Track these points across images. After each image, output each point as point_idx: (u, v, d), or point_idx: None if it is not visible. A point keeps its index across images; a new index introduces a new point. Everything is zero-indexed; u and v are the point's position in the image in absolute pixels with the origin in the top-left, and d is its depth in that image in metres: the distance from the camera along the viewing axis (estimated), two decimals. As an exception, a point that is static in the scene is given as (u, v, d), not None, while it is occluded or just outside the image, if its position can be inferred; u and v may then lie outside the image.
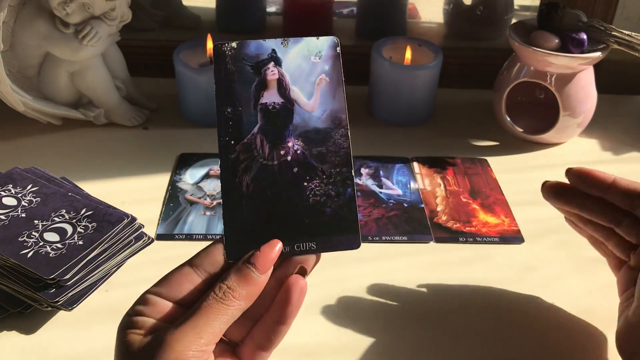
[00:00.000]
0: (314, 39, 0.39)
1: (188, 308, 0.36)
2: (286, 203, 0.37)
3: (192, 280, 0.36)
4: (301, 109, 0.39)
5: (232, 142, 0.38)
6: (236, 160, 0.38)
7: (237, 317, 0.36)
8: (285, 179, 0.38)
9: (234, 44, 0.39)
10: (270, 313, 0.38)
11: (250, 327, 0.38)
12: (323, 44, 0.39)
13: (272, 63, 0.39)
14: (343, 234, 0.37)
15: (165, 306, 0.36)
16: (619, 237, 0.49)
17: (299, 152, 0.38)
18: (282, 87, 0.39)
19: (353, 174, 0.38)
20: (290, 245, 0.37)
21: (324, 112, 0.39)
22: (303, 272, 0.38)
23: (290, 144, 0.38)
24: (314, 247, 0.37)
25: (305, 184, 0.38)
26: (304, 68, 0.39)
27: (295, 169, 0.38)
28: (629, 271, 0.49)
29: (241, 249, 0.36)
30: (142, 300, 0.36)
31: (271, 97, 0.39)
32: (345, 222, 0.38)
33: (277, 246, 0.36)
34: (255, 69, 0.39)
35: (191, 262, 0.37)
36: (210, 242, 0.38)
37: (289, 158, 0.38)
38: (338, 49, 0.39)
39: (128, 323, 0.36)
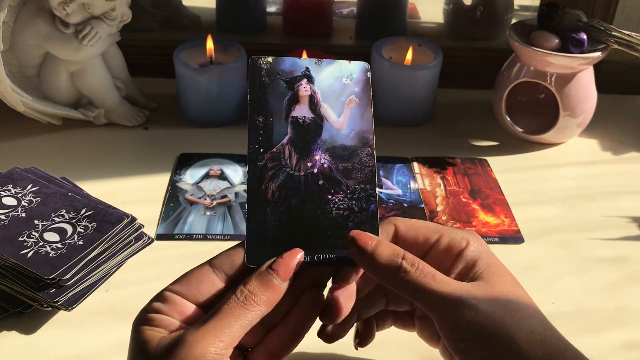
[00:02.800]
0: (346, 62, 0.41)
1: (205, 308, 0.37)
2: (310, 213, 0.38)
3: (211, 281, 0.37)
4: (330, 126, 0.40)
5: (261, 150, 0.39)
6: (264, 168, 0.39)
7: (255, 322, 0.36)
8: (310, 190, 0.39)
9: (269, 59, 0.40)
10: (287, 322, 0.38)
11: (264, 334, 0.39)
12: (355, 67, 0.41)
13: (305, 80, 0.40)
14: None
15: (183, 305, 0.36)
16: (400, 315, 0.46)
17: (325, 165, 0.40)
18: (313, 103, 0.40)
19: (377, 192, 0.39)
20: (310, 255, 0.38)
21: (352, 131, 0.40)
22: (320, 284, 0.39)
23: (317, 157, 0.40)
24: (333, 259, 0.38)
25: (330, 196, 0.39)
26: (335, 88, 0.41)
27: (321, 182, 0.39)
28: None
29: (262, 255, 0.37)
30: (160, 297, 0.36)
31: (302, 111, 0.40)
32: None
33: (298, 255, 0.37)
34: (289, 84, 0.40)
35: (211, 263, 0.37)
36: (232, 245, 0.38)
37: (315, 170, 0.39)
38: (369, 73, 0.41)
39: (144, 319, 0.36)
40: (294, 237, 0.38)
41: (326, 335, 0.42)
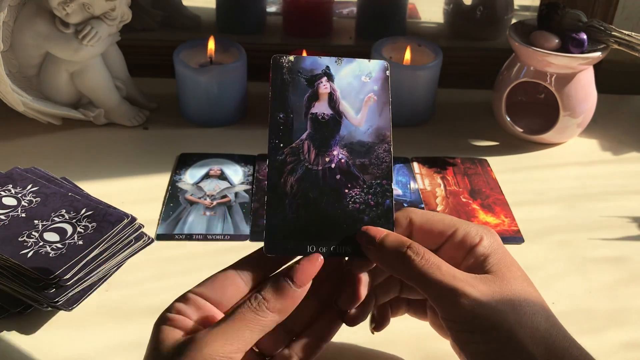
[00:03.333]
0: (365, 60, 0.42)
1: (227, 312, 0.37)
2: (326, 207, 0.39)
3: (236, 285, 0.37)
4: (349, 122, 0.41)
5: (281, 144, 0.40)
6: (283, 162, 0.40)
7: (270, 328, 0.36)
8: (328, 184, 0.40)
9: (291, 58, 0.41)
10: (309, 333, 0.39)
11: (287, 340, 0.39)
12: (374, 66, 0.42)
13: (325, 78, 0.41)
14: None
15: (205, 307, 0.37)
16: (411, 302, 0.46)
17: (342, 160, 0.40)
18: (333, 101, 0.41)
19: (393, 188, 0.40)
20: (327, 247, 0.38)
21: (370, 128, 0.41)
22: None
23: (335, 153, 0.40)
24: (349, 251, 0.39)
25: (346, 190, 0.40)
26: (354, 86, 0.42)
27: (338, 176, 0.40)
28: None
29: (279, 245, 0.38)
30: (183, 298, 0.37)
31: (322, 108, 0.41)
32: None
33: (318, 260, 0.37)
34: (309, 82, 0.41)
35: (236, 266, 0.38)
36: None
37: (333, 165, 0.40)
38: (387, 72, 0.42)
39: (165, 319, 0.36)
40: (310, 229, 0.39)
41: (349, 319, 0.42)
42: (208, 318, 0.36)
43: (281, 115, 0.40)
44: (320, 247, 0.38)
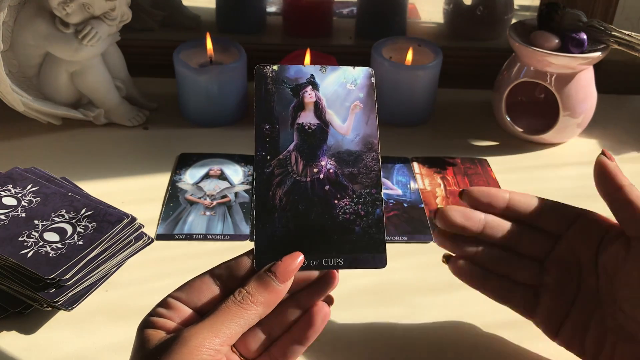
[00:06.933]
0: (350, 68, 0.42)
1: (204, 315, 0.37)
2: (316, 218, 0.39)
3: (211, 290, 0.37)
4: (335, 132, 0.41)
5: (268, 157, 0.39)
6: (271, 174, 0.39)
7: (253, 322, 0.36)
8: (317, 196, 0.39)
9: (275, 67, 0.41)
10: (291, 333, 0.39)
11: (268, 345, 0.40)
12: (359, 73, 0.42)
13: (310, 87, 0.41)
14: (370, 253, 0.39)
15: (183, 310, 0.37)
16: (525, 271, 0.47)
17: (331, 171, 0.40)
18: (319, 110, 0.41)
19: (383, 196, 0.40)
20: (318, 260, 0.38)
21: (357, 136, 0.41)
22: (329, 301, 0.40)
23: (323, 163, 0.40)
24: (341, 263, 0.38)
25: (336, 201, 0.39)
26: (340, 94, 0.41)
27: (327, 187, 0.40)
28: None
29: (270, 259, 0.37)
30: (163, 303, 0.38)
31: (308, 118, 0.41)
32: (373, 241, 0.39)
33: (298, 258, 0.37)
34: (294, 91, 0.41)
35: (212, 272, 0.38)
36: (233, 248, 0.38)
37: (321, 176, 0.40)
38: (373, 79, 0.42)
39: (148, 323, 0.37)
40: (301, 242, 0.38)
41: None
42: (189, 320, 0.37)
43: (267, 127, 0.40)
44: (311, 260, 0.38)
